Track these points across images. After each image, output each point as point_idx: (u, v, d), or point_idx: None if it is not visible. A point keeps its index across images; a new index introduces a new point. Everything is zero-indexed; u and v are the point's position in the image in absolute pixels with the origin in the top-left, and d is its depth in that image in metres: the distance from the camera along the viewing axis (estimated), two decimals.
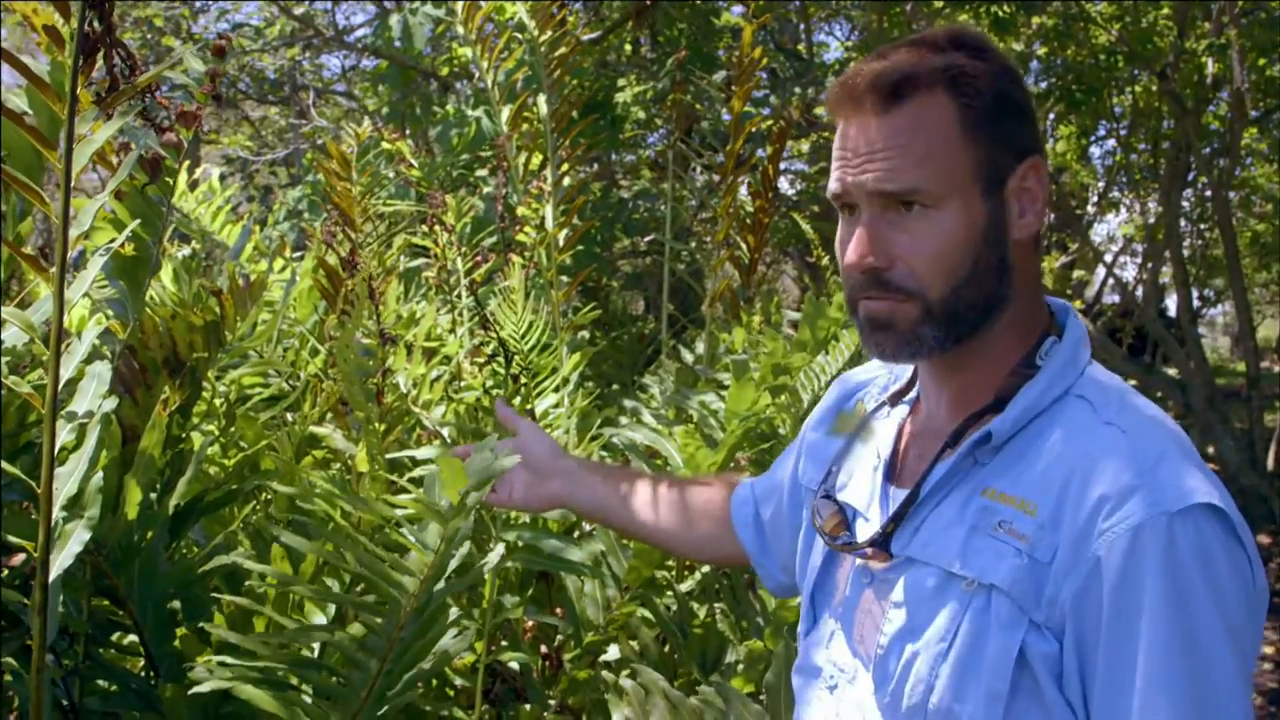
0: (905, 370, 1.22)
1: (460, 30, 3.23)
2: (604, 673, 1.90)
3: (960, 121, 1.01)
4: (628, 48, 6.36)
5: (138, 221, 1.41)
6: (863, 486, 1.16)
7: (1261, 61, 6.16)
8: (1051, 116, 7.68)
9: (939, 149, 1.01)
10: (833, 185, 1.07)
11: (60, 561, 1.20)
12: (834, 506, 1.15)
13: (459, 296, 2.85)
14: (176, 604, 1.62)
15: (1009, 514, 0.99)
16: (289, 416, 2.16)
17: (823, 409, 1.33)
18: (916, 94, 1.02)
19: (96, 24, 1.08)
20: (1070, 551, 0.94)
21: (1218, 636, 0.91)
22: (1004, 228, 1.03)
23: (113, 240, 1.36)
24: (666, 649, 2.12)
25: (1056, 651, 0.95)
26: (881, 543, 1.07)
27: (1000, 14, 5.41)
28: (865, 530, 1.12)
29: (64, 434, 1.23)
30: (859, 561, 1.11)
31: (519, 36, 3.76)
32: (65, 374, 1.21)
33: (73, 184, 1.21)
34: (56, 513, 1.20)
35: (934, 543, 1.03)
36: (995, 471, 1.02)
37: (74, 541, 1.22)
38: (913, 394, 1.19)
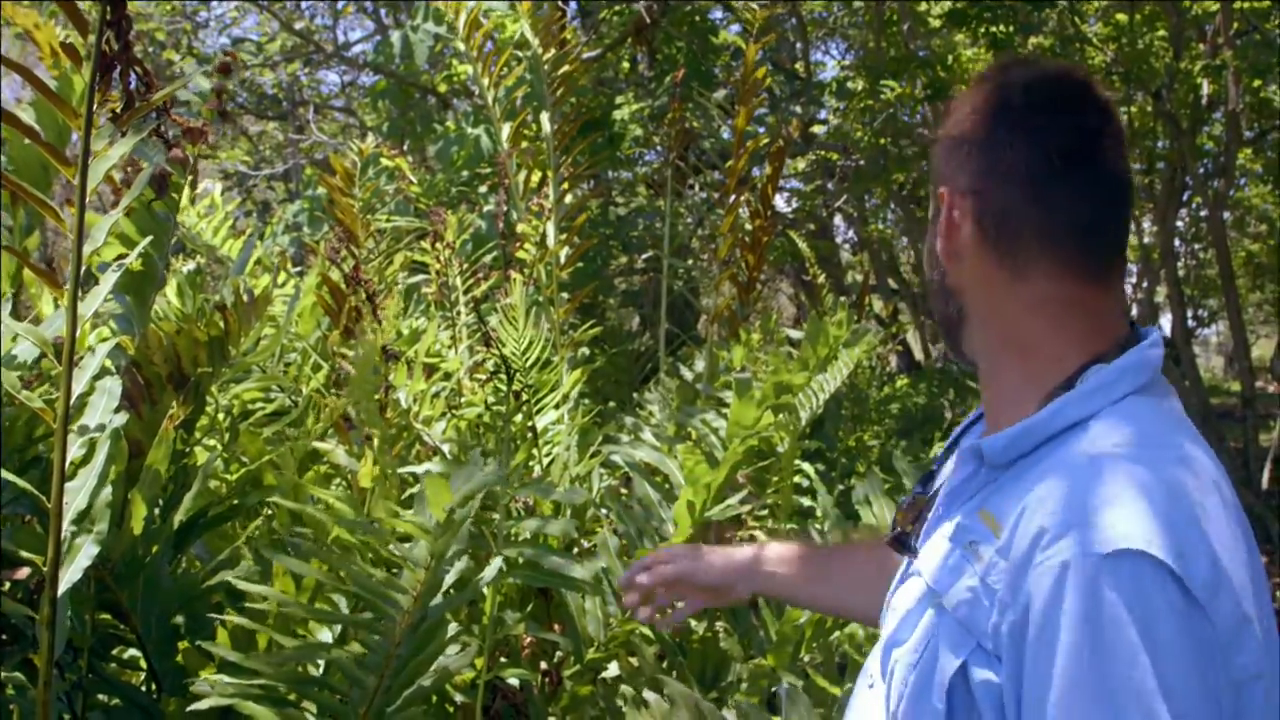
0: None
1: (461, 47, 3.24)
2: (623, 687, 1.90)
3: (938, 153, 1.10)
4: (625, 65, 6.38)
5: (149, 239, 1.42)
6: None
7: (1256, 83, 6.18)
8: None
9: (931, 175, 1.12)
10: None
11: (69, 576, 1.20)
12: (909, 511, 1.14)
13: (459, 313, 2.85)
14: (179, 619, 1.62)
15: (981, 534, 0.95)
16: (290, 432, 2.17)
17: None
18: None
19: (114, 42, 1.09)
20: (1010, 582, 0.89)
21: (1146, 694, 0.81)
22: (933, 250, 1.09)
23: (123, 256, 1.37)
24: (664, 665, 2.12)
25: (999, 681, 0.90)
26: (895, 543, 1.10)
27: (997, 35, 5.44)
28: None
29: (74, 449, 1.23)
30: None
31: (519, 54, 3.78)
32: (78, 389, 1.21)
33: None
34: (66, 527, 1.20)
35: (928, 553, 1.04)
36: (998, 489, 1.00)
37: (83, 556, 1.22)
38: None
